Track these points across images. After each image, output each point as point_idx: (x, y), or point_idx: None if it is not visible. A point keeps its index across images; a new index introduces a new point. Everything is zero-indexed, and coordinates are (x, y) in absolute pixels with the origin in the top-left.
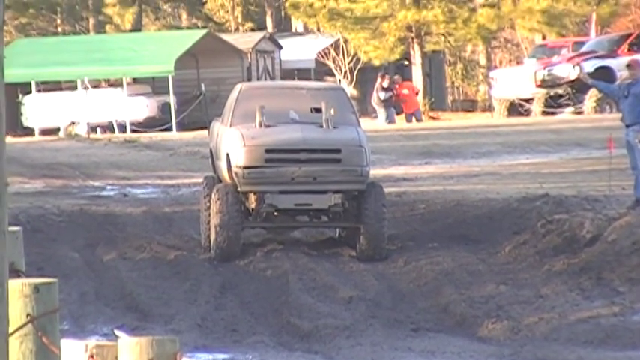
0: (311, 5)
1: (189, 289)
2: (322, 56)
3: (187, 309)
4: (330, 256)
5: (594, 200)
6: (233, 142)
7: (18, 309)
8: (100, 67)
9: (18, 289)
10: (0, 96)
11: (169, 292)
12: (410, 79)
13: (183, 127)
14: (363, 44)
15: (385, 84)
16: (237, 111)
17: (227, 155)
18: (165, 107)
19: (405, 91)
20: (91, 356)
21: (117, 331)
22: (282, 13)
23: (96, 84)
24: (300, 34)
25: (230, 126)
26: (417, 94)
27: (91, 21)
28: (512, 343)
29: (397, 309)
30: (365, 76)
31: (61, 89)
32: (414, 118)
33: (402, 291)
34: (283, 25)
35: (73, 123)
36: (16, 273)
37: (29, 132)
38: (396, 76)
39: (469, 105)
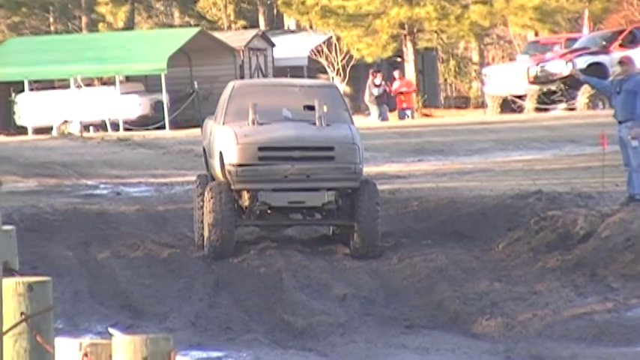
0: (303, 3)
1: (183, 287)
2: (315, 54)
3: (181, 307)
4: (323, 254)
5: (588, 197)
6: (226, 140)
7: (12, 308)
8: (93, 66)
9: (12, 287)
10: None
11: (163, 291)
12: (403, 77)
13: (176, 125)
14: (356, 41)
15: (377, 81)
16: (230, 109)
17: (220, 153)
18: (158, 105)
19: (404, 89)
20: (85, 355)
21: (111, 330)
22: (275, 11)
23: (89, 82)
24: (292, 32)
25: (223, 124)
26: (414, 92)
27: (84, 19)
28: (506, 340)
29: (391, 306)
30: (358, 73)
31: (53, 88)
32: (407, 115)
33: (395, 288)
34: (276, 23)
35: (66, 121)
36: (9, 272)
37: (22, 131)
38: (395, 72)
39: (462, 102)
